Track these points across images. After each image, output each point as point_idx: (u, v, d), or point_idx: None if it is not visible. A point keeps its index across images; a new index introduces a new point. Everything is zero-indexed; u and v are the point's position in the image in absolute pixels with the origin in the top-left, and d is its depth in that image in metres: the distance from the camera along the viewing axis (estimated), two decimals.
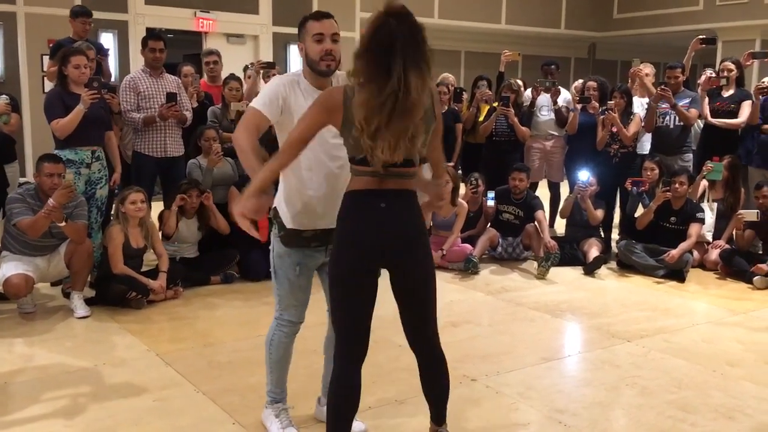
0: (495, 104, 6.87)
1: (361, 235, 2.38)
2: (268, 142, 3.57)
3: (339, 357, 2.48)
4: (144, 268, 5.08)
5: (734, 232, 6.17)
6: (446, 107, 7.04)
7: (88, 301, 4.72)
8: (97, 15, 6.40)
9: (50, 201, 4.34)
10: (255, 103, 2.72)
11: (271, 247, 2.88)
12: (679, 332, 4.50)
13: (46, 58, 7.38)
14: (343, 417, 2.48)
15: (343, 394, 2.47)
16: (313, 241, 2.76)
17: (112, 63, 9.29)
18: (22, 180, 5.61)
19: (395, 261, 2.43)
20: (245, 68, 6.96)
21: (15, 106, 5.47)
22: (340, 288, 2.44)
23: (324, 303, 2.91)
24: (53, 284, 5.15)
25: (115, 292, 4.72)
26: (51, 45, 6.46)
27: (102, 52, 6.18)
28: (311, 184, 2.68)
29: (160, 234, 5.27)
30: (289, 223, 2.74)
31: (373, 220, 2.38)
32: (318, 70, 2.69)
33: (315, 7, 11.39)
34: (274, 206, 2.80)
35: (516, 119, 6.72)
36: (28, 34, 9.32)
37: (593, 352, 4.16)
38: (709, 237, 6.32)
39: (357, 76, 2.28)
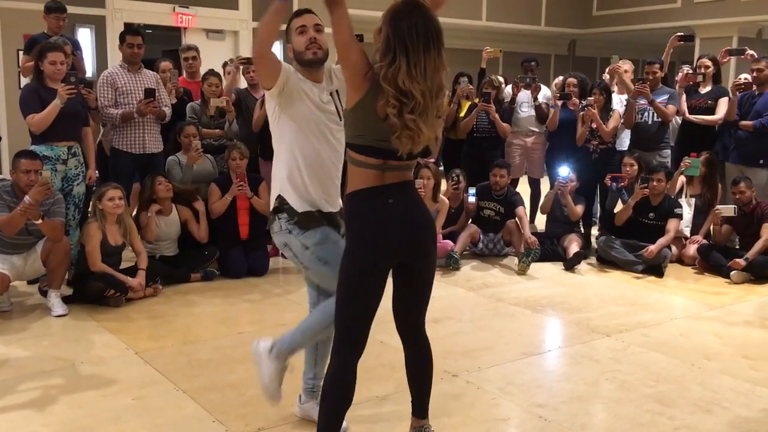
0: (476, 100, 6.88)
1: (375, 235, 2.38)
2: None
3: (342, 353, 2.46)
4: (122, 266, 5.03)
5: (712, 228, 6.25)
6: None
7: (66, 300, 4.66)
8: (74, 10, 6.33)
9: (26, 198, 4.28)
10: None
11: (282, 254, 2.84)
12: (657, 327, 4.55)
13: (21, 54, 7.28)
14: (341, 412, 2.50)
15: (344, 389, 2.47)
16: (325, 219, 2.77)
17: (89, 58, 9.21)
18: None
19: (409, 255, 2.45)
20: (224, 64, 6.92)
21: None
22: (352, 287, 2.42)
23: (302, 300, 2.87)
24: (30, 282, 5.08)
25: (93, 290, 4.67)
26: (26, 40, 6.37)
27: (76, 48, 6.11)
28: (311, 165, 2.73)
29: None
30: (299, 207, 2.73)
31: (385, 219, 2.39)
32: (306, 60, 2.75)
33: (296, 4, 11.34)
34: (278, 195, 2.77)
35: (497, 115, 6.74)
36: (3, 29, 9.17)
37: (573, 347, 4.19)
38: (687, 232, 6.39)
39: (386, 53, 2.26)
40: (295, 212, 2.73)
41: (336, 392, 2.47)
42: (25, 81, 6.22)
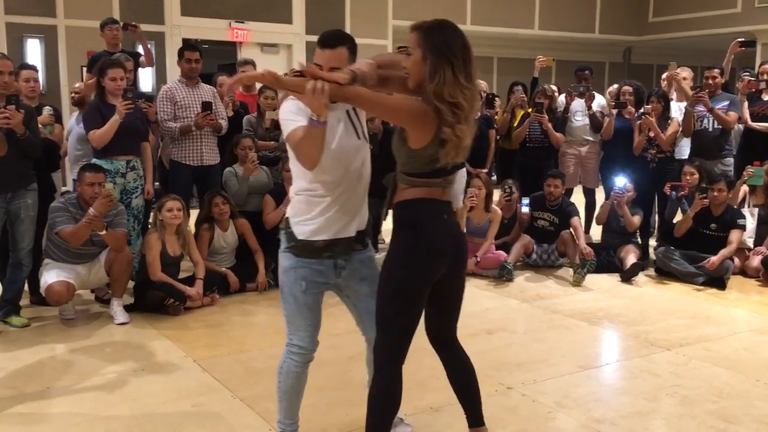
0: (529, 110, 6.83)
1: (435, 243, 2.44)
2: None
3: (389, 359, 2.50)
4: (180, 275, 5.15)
5: None
6: (479, 113, 7.04)
7: (127, 308, 4.80)
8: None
9: (90, 210, 4.43)
10: (295, 124, 2.50)
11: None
12: (720, 340, 4.41)
13: (85, 70, 7.56)
14: (389, 420, 2.54)
15: (395, 399, 2.51)
16: (326, 251, 2.62)
17: (149, 73, 9.52)
18: (63, 189, 5.74)
19: (452, 271, 2.51)
20: None
21: (57, 117, 5.60)
22: (406, 292, 2.45)
23: (349, 314, 2.88)
24: (93, 291, 5.25)
25: (153, 299, 4.79)
26: (89, 57, 6.65)
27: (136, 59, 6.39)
28: (332, 190, 2.59)
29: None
30: (301, 234, 2.62)
31: (444, 230, 2.47)
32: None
33: (348, 16, 11.47)
34: (286, 216, 2.72)
35: (550, 125, 6.67)
36: (68, 46, 9.56)
37: (631, 360, 4.10)
38: (750, 243, 6.19)
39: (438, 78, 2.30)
40: (294, 237, 2.64)
41: (386, 404, 2.51)
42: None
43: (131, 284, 5.06)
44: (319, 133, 2.38)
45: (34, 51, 9.44)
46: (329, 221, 2.60)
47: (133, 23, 6.90)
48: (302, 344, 2.71)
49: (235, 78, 2.62)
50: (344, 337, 3.91)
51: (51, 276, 4.57)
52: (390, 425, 2.57)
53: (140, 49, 6.99)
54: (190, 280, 5.03)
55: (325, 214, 2.60)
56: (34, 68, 5.37)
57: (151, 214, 5.41)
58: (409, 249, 2.44)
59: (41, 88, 5.94)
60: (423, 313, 2.59)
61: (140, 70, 6.92)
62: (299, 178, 2.66)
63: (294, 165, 2.63)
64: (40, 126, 4.88)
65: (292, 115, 2.51)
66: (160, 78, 9.91)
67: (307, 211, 2.62)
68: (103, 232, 4.54)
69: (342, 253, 2.66)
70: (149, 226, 5.31)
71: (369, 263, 2.74)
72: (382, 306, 2.50)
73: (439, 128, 2.32)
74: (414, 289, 2.45)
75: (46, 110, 5.27)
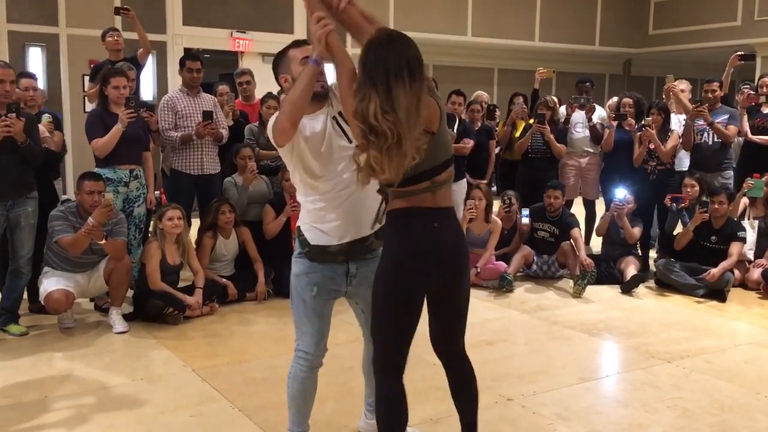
0: (531, 121, 6.85)
1: (416, 254, 2.40)
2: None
3: (385, 370, 2.49)
4: (180, 284, 5.14)
5: None
6: (479, 124, 7.06)
7: (126, 317, 4.78)
8: (136, 36, 6.57)
9: (90, 220, 4.42)
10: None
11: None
12: (720, 353, 4.40)
13: (87, 79, 7.57)
14: (397, 429, 2.51)
15: (397, 408, 2.50)
16: (340, 255, 2.67)
17: (150, 82, 9.54)
18: (63, 197, 5.74)
19: (449, 277, 2.47)
20: (280, 92, 7.03)
21: (57, 124, 5.61)
22: (395, 301, 2.43)
23: (354, 320, 2.90)
24: (93, 300, 5.24)
25: (153, 308, 4.78)
26: (91, 66, 6.66)
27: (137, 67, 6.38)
28: (332, 198, 2.63)
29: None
30: (314, 240, 2.67)
31: (429, 239, 2.41)
32: (313, 92, 2.56)
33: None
34: (297, 225, 2.76)
35: (552, 136, 6.68)
36: (69, 55, 9.58)
37: (632, 372, 4.08)
38: (750, 255, 6.18)
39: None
40: (307, 243, 2.68)
41: (389, 413, 2.50)
42: (90, 106, 6.47)
43: (130, 293, 5.05)
44: (308, 74, 2.45)
45: (35, 59, 9.45)
46: (338, 227, 2.63)
47: (126, 7, 6.87)
48: (308, 350, 2.73)
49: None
50: (345, 347, 3.90)
51: (50, 284, 4.56)
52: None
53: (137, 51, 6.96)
54: (189, 290, 5.02)
55: (332, 221, 2.63)
56: (33, 76, 5.38)
57: (151, 223, 5.40)
58: (393, 258, 2.44)
59: (43, 96, 5.96)
60: (431, 327, 2.58)
61: (142, 79, 6.91)
62: (299, 190, 2.72)
63: (293, 177, 2.69)
64: (47, 133, 4.89)
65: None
66: (161, 87, 9.93)
67: (315, 217, 2.66)
68: (103, 242, 4.53)
69: (358, 254, 2.68)
70: (149, 235, 5.30)
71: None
72: (374, 317, 2.52)
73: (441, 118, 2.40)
74: (401, 299, 2.43)
75: (45, 118, 5.28)
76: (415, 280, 2.42)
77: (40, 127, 4.97)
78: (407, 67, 2.25)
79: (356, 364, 3.05)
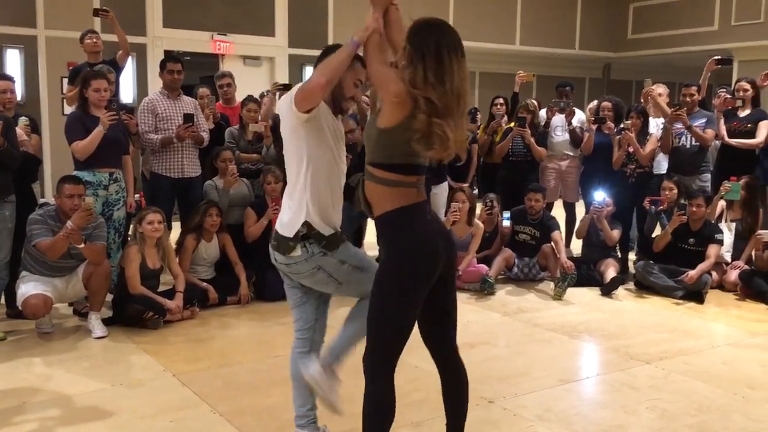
0: (511, 125, 6.89)
1: (427, 246, 2.44)
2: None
3: (380, 368, 2.49)
4: (160, 288, 5.10)
5: (753, 253, 6.10)
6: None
7: (105, 322, 4.74)
8: (115, 38, 6.52)
9: (69, 223, 4.38)
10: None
11: (313, 269, 2.80)
12: (698, 354, 4.45)
13: (65, 81, 7.49)
14: (386, 430, 2.51)
15: (390, 411, 2.50)
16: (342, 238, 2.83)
17: (130, 84, 9.46)
18: (42, 200, 5.67)
19: (447, 269, 2.51)
20: (261, 95, 7.00)
21: (35, 127, 5.55)
22: (405, 298, 2.44)
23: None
24: (71, 304, 5.18)
25: (132, 313, 4.74)
26: (70, 68, 6.58)
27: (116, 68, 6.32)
28: (332, 186, 2.79)
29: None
30: (325, 231, 2.75)
31: (431, 232, 2.48)
32: (342, 103, 2.81)
33: (331, 30, 11.50)
34: (303, 221, 2.75)
35: (532, 139, 6.73)
36: (48, 57, 9.48)
37: (612, 374, 4.12)
38: (727, 257, 6.26)
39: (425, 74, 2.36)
40: (323, 236, 2.74)
41: (381, 415, 2.50)
42: (69, 109, 6.40)
43: (110, 297, 5.01)
44: (348, 49, 2.57)
45: (13, 61, 9.34)
46: (334, 216, 2.80)
47: (105, 8, 6.80)
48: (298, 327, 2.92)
49: None
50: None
51: (28, 289, 4.51)
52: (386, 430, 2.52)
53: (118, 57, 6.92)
54: (169, 294, 4.98)
55: (328, 206, 2.78)
56: (11, 79, 5.32)
57: (131, 226, 5.36)
58: (407, 253, 2.43)
59: (21, 98, 5.88)
60: (424, 328, 2.60)
61: (121, 81, 6.86)
62: (303, 178, 2.81)
63: (299, 147, 2.79)
64: (24, 137, 4.83)
65: None
66: (142, 90, 9.85)
67: (319, 206, 2.77)
68: (82, 245, 4.49)
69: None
70: (129, 239, 5.26)
71: None
72: (374, 317, 2.48)
73: (412, 115, 2.34)
74: (413, 293, 2.44)
75: (22, 120, 5.22)
76: (423, 276, 2.43)
77: (18, 130, 4.92)
78: (440, 47, 2.38)
79: (346, 367, 2.96)
